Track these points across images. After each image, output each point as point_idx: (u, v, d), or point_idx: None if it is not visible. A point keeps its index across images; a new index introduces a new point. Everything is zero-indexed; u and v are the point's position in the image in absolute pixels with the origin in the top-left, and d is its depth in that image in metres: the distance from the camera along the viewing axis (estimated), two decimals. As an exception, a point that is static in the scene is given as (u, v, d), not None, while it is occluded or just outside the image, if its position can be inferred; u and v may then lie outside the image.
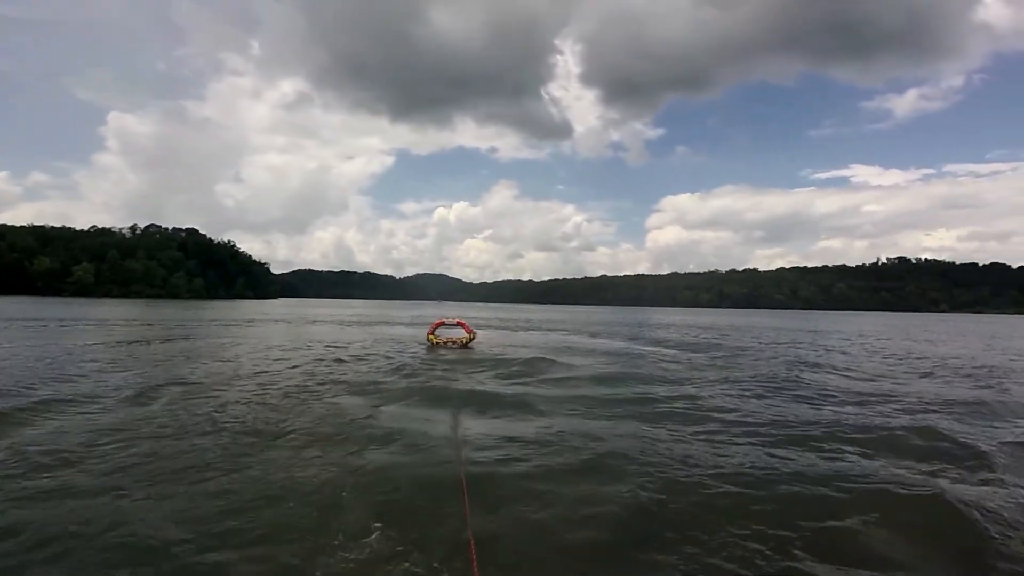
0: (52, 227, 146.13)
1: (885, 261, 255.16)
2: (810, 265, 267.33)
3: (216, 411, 8.64)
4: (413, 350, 19.23)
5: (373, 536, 4.35)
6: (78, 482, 5.41)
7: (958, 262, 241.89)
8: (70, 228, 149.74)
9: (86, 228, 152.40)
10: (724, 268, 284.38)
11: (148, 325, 31.12)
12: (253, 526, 4.48)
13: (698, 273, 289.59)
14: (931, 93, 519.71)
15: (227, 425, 7.78)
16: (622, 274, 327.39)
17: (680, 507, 5.00)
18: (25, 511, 4.69)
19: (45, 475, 5.60)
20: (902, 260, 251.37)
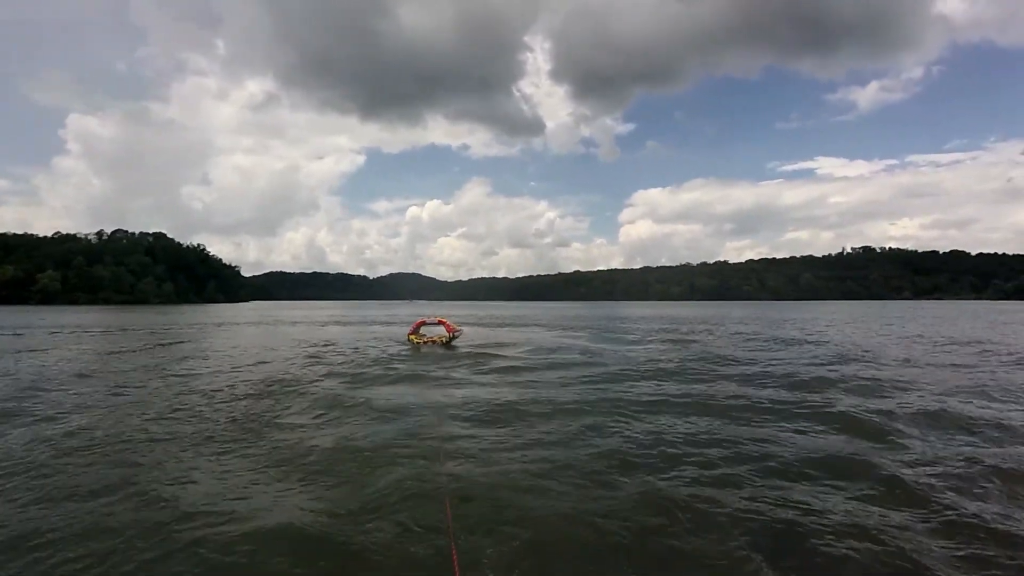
0: (14, 234, 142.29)
1: (850, 251, 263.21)
2: (779, 256, 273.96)
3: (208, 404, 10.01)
4: (392, 349, 19.39)
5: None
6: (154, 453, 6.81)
7: (920, 250, 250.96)
8: (33, 235, 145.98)
9: (49, 235, 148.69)
10: (695, 261, 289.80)
11: (124, 330, 31.76)
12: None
13: (670, 266, 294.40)
14: (892, 85, 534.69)
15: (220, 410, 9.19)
16: (595, 269, 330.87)
17: (662, 506, 5.17)
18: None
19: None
20: (867, 249, 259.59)
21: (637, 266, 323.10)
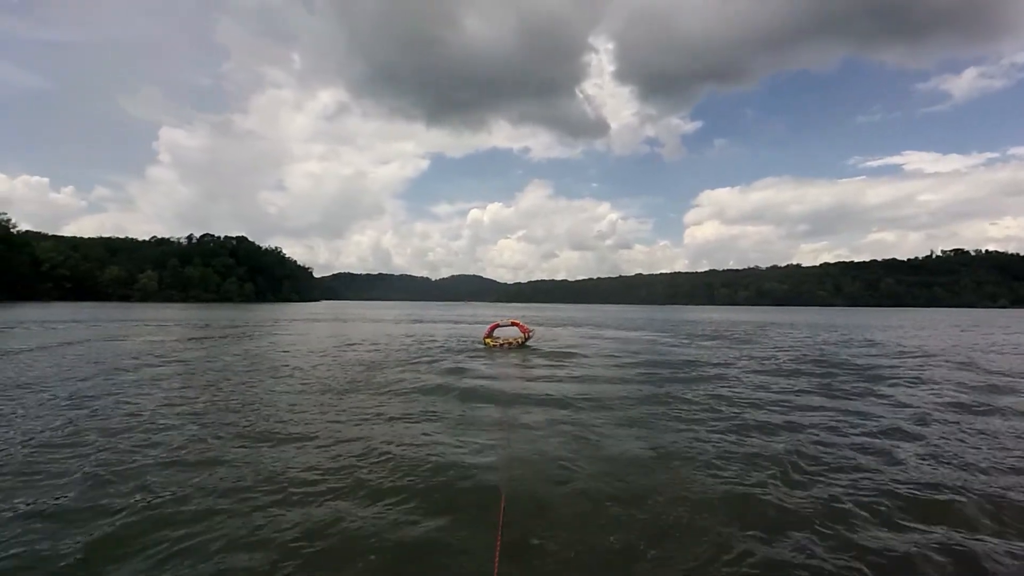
0: (118, 238, 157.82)
1: (940, 254, 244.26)
2: (858, 259, 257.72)
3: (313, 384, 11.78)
4: (466, 346, 20.57)
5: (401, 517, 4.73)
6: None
7: (1023, 253, 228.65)
8: (133, 239, 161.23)
9: (146, 238, 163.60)
10: (765, 264, 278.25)
11: (235, 326, 35.31)
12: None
13: (737, 270, 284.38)
14: (992, 72, 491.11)
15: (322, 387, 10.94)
16: (658, 272, 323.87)
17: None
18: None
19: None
20: (959, 252, 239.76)
21: (702, 269, 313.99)
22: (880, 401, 10.20)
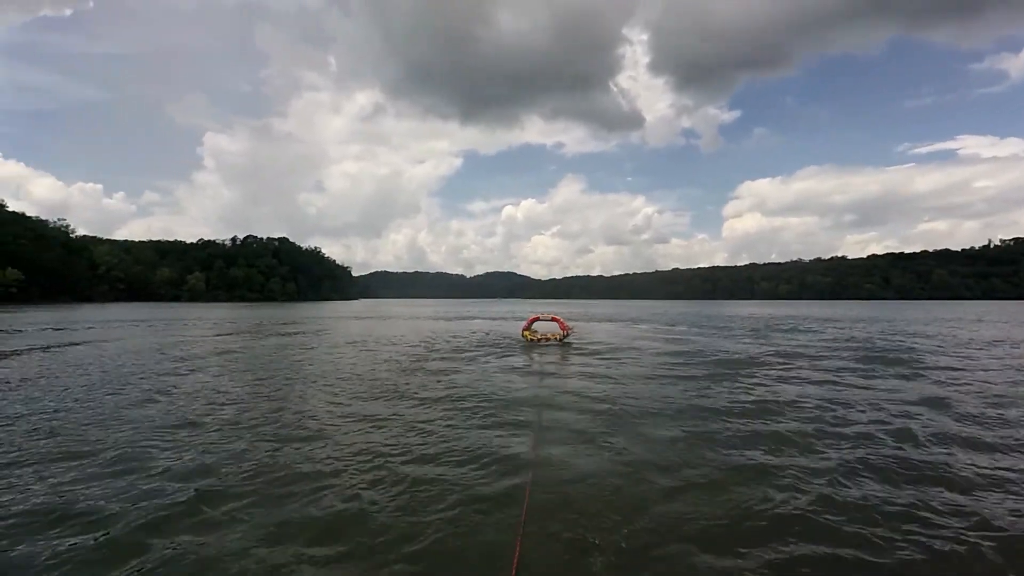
0: (167, 240, 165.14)
1: (999, 243, 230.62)
2: (907, 250, 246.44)
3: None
4: (503, 342, 20.67)
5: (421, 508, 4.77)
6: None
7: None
8: (182, 241, 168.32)
9: (193, 241, 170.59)
10: (808, 257, 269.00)
11: (285, 323, 36.70)
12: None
13: (778, 263, 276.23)
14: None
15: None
16: (695, 266, 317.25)
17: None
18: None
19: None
20: (1020, 241, 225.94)
21: (742, 263, 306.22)
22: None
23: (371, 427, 7.62)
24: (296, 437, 7.06)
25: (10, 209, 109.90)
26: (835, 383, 11.37)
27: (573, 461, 6.12)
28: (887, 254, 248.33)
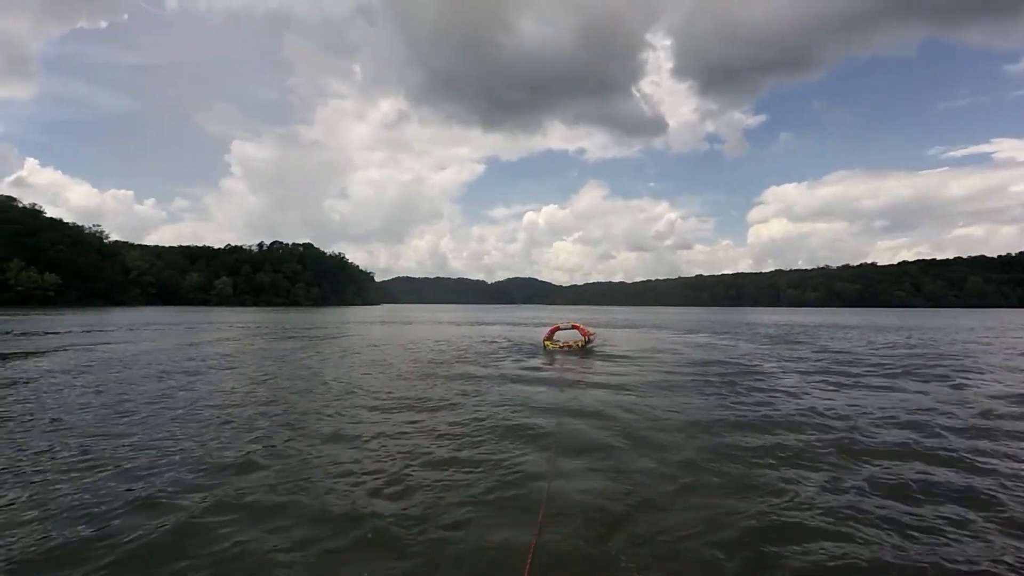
0: (195, 246, 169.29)
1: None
2: (942, 256, 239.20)
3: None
4: (525, 349, 20.83)
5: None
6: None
7: None
8: (209, 247, 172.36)
9: (221, 246, 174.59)
10: (836, 263, 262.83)
11: (310, 328, 37.47)
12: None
13: (805, 269, 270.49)
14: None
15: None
16: (720, 273, 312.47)
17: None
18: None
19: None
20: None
21: (768, 269, 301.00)
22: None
23: (391, 429, 7.83)
24: (320, 435, 7.38)
25: (48, 215, 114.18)
26: (864, 392, 11.22)
27: (589, 469, 6.14)
28: (918, 260, 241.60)
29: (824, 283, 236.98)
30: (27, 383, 11.35)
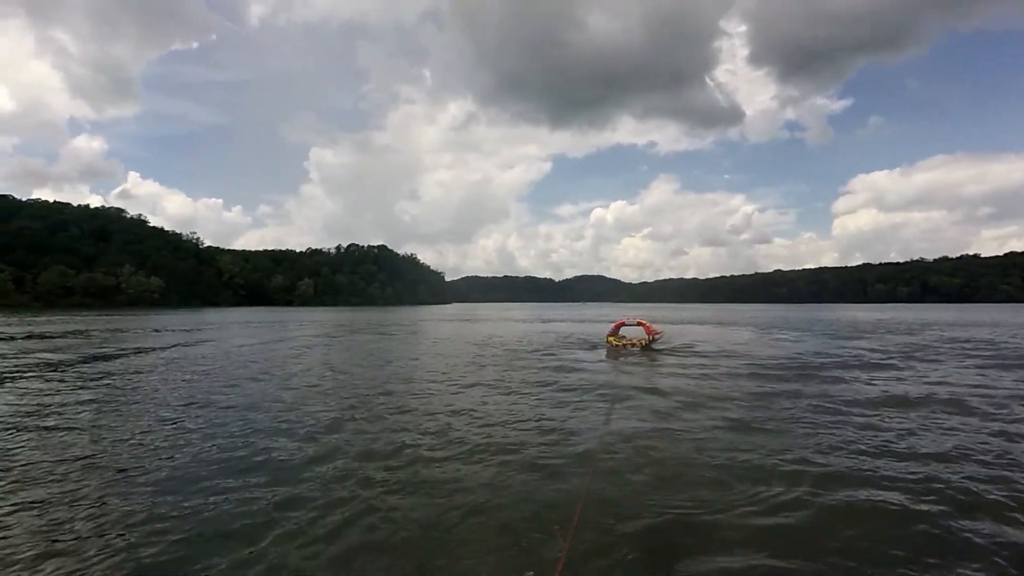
0: (279, 250, 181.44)
1: None
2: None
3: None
4: (590, 345, 21.35)
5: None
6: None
7: None
8: (292, 251, 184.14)
9: (303, 249, 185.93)
10: (932, 256, 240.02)
11: (389, 325, 39.84)
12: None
13: (896, 263, 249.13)
14: None
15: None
16: (801, 267, 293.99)
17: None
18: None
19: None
20: None
21: (855, 263, 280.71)
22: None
23: (468, 405, 9.38)
24: (395, 417, 8.53)
25: (151, 224, 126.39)
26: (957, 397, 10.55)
27: (636, 460, 6.23)
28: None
29: (918, 277, 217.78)
30: (178, 365, 13.49)
